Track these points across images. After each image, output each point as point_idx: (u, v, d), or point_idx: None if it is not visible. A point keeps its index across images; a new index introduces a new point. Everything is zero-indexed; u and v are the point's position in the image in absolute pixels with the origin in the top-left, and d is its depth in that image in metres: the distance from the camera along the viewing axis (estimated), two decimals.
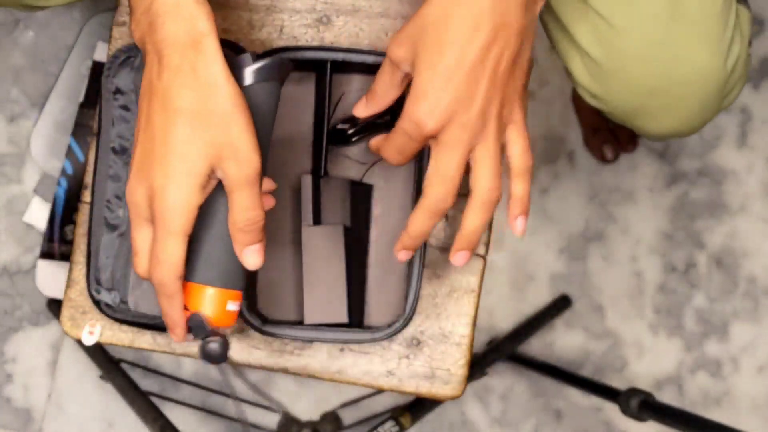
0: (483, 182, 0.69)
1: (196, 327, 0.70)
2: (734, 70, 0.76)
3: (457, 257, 0.71)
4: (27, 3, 0.80)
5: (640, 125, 0.79)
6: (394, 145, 0.69)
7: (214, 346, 0.70)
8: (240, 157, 0.65)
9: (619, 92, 0.76)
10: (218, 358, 0.70)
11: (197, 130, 0.65)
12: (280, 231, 0.84)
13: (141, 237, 0.68)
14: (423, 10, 0.67)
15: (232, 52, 0.76)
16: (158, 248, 0.66)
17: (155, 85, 0.65)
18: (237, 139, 0.65)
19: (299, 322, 0.84)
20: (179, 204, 0.65)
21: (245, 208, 0.67)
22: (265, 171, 0.69)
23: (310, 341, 0.84)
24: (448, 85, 0.66)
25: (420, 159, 0.80)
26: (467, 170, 0.70)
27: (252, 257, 0.68)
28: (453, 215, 0.87)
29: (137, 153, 0.67)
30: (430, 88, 0.66)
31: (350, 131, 0.78)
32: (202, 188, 0.66)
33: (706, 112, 0.78)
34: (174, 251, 0.66)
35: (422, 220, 0.70)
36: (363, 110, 0.74)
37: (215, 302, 0.70)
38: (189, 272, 0.69)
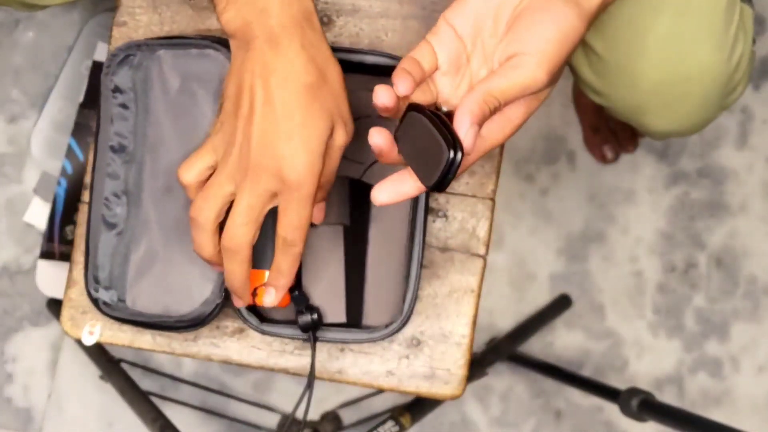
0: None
1: (298, 299, 0.80)
2: (738, 68, 0.76)
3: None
4: (28, 2, 0.80)
5: (643, 122, 0.79)
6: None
7: (311, 317, 0.80)
8: (348, 125, 0.71)
9: (622, 88, 0.76)
10: (317, 325, 0.81)
11: (323, 101, 0.69)
12: None
13: (258, 202, 0.70)
14: (576, 41, 0.65)
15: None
16: (292, 215, 0.69)
17: (273, 65, 0.67)
18: (346, 110, 0.71)
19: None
20: (312, 169, 0.68)
21: (334, 170, 0.73)
22: None
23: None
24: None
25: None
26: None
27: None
28: (452, 215, 0.87)
29: (255, 136, 0.68)
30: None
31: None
32: (322, 159, 0.69)
33: (709, 110, 0.78)
34: (308, 216, 0.70)
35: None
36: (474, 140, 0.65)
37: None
38: (272, 262, 0.76)
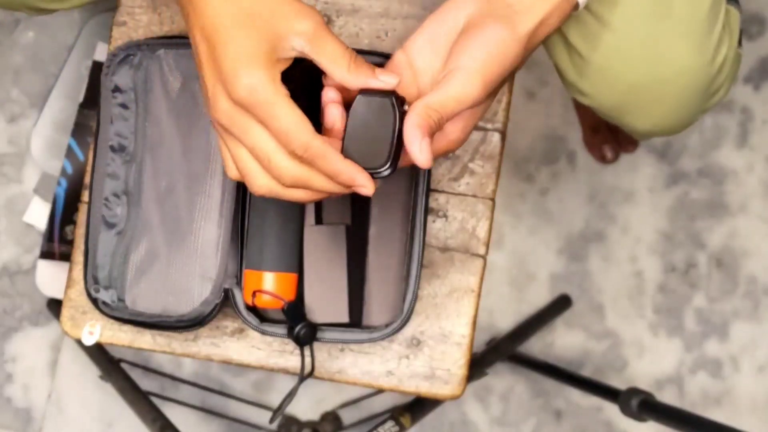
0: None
1: (291, 313, 0.80)
2: (721, 71, 0.76)
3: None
4: (38, 6, 0.80)
5: (624, 122, 0.80)
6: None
7: (306, 330, 0.80)
8: (302, 12, 0.65)
9: (603, 88, 0.76)
10: (309, 341, 0.80)
11: (251, 16, 0.64)
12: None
13: (264, 137, 0.65)
14: (514, 64, 0.67)
15: None
16: (275, 125, 0.64)
17: (198, 8, 0.66)
18: (294, 6, 0.65)
19: None
20: (255, 77, 0.63)
21: (342, 49, 0.66)
22: None
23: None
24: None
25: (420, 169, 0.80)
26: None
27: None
28: (452, 215, 0.87)
29: (205, 79, 0.66)
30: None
31: None
32: (276, 60, 0.65)
33: (689, 111, 0.78)
34: (287, 113, 0.64)
35: None
36: (429, 155, 0.66)
37: (293, 284, 0.81)
38: (272, 264, 0.78)
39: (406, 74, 0.68)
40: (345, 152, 0.65)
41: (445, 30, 0.67)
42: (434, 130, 0.65)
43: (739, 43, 0.80)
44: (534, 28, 0.66)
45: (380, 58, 0.81)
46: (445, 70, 0.66)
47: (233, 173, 0.68)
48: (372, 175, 0.65)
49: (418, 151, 0.63)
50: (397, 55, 0.69)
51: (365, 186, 0.65)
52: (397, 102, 0.65)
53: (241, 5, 0.64)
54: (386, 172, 0.65)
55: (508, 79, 0.68)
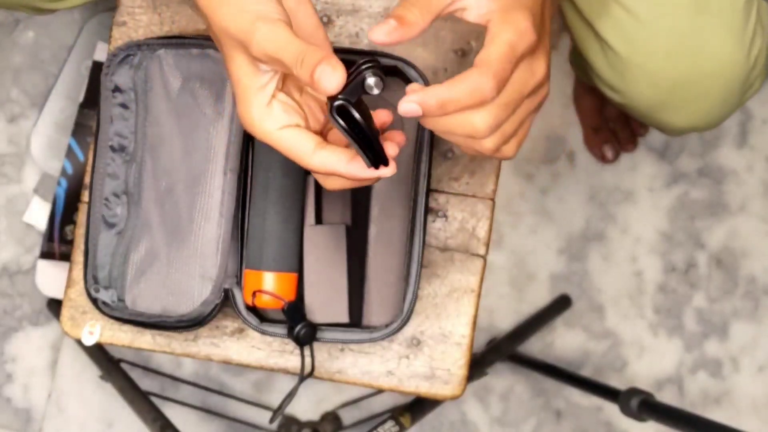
0: None
1: (291, 313, 0.80)
2: (756, 63, 0.76)
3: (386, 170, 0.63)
4: (37, 6, 0.80)
5: (661, 119, 0.79)
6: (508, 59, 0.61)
7: (306, 330, 0.80)
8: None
9: (640, 85, 0.76)
10: (309, 341, 0.80)
11: (222, 13, 0.61)
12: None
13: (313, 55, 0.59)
14: None
15: None
16: (243, 115, 0.62)
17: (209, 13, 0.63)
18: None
19: None
20: (232, 64, 0.62)
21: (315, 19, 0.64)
22: None
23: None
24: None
25: (418, 160, 0.80)
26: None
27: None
28: (452, 215, 0.87)
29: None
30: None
31: None
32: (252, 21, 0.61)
33: (728, 106, 0.77)
34: (285, 38, 0.60)
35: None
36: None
37: (293, 285, 0.81)
38: (272, 264, 0.79)
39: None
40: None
41: None
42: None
43: None
44: None
45: (380, 58, 0.81)
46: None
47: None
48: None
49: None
50: None
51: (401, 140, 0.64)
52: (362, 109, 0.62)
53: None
54: (388, 173, 0.63)
55: None
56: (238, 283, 0.82)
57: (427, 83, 0.80)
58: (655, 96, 0.76)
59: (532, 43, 0.59)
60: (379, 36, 0.60)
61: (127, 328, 0.87)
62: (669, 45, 0.73)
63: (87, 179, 0.86)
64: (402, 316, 0.81)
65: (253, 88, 0.62)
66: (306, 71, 0.59)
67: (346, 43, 0.86)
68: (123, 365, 1.19)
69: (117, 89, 0.83)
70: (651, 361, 1.41)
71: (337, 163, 0.62)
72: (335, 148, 0.63)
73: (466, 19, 0.61)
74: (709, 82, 0.74)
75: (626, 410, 1.09)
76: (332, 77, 0.58)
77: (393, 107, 0.78)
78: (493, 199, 0.87)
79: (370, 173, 0.62)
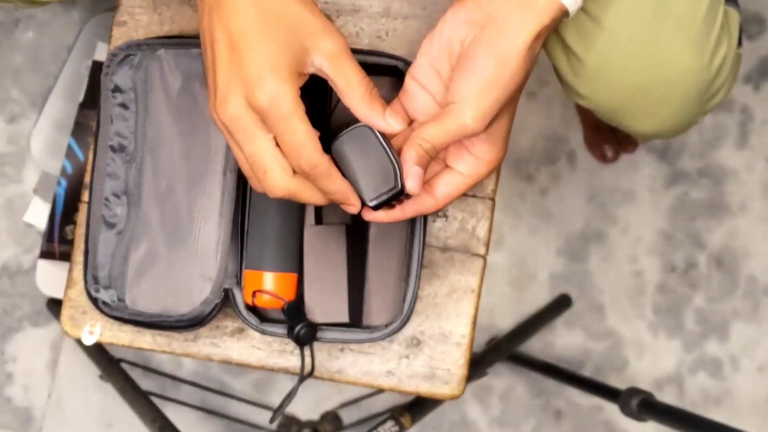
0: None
1: (291, 313, 0.80)
2: (720, 72, 0.76)
3: (365, 214, 0.72)
4: None
5: (624, 125, 0.80)
6: (461, 194, 0.73)
7: (306, 330, 0.80)
8: (331, 31, 0.67)
9: (602, 91, 0.76)
10: (309, 341, 0.80)
11: (275, 18, 0.66)
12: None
13: (264, 147, 0.67)
14: (508, 88, 0.67)
15: None
16: (288, 138, 0.66)
17: (221, 4, 0.66)
18: (317, 19, 0.66)
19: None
20: (279, 83, 0.65)
21: (361, 76, 0.68)
22: None
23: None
24: (510, 133, 0.74)
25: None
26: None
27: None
28: (452, 215, 0.87)
29: (218, 78, 0.66)
30: (505, 143, 0.73)
31: None
32: (298, 74, 0.66)
33: (689, 114, 0.78)
34: (303, 130, 0.66)
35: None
36: (419, 181, 0.70)
37: (293, 284, 0.81)
38: (272, 264, 0.79)
39: (422, 99, 0.71)
40: (356, 185, 0.70)
41: (444, 54, 0.69)
42: (427, 160, 0.68)
43: (739, 43, 0.80)
44: (525, 47, 0.66)
45: (381, 58, 0.81)
46: (446, 97, 0.68)
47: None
48: (389, 200, 0.70)
49: (409, 178, 0.68)
50: (408, 83, 0.71)
51: (355, 205, 0.70)
52: (378, 133, 0.69)
53: (268, 9, 0.65)
54: (403, 189, 0.69)
55: (513, 97, 0.68)
56: (238, 282, 0.82)
57: None
58: (616, 102, 0.77)
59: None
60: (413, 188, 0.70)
61: (127, 328, 0.87)
62: (628, 52, 0.73)
63: (87, 179, 0.86)
64: (402, 316, 0.81)
65: (289, 56, 0.66)
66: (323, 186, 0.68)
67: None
68: (123, 365, 1.19)
69: (117, 89, 0.83)
70: (651, 361, 1.41)
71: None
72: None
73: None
74: (667, 90, 0.75)
75: (626, 410, 1.09)
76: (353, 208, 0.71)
77: None
78: (493, 199, 0.87)
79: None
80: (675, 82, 0.74)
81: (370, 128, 0.69)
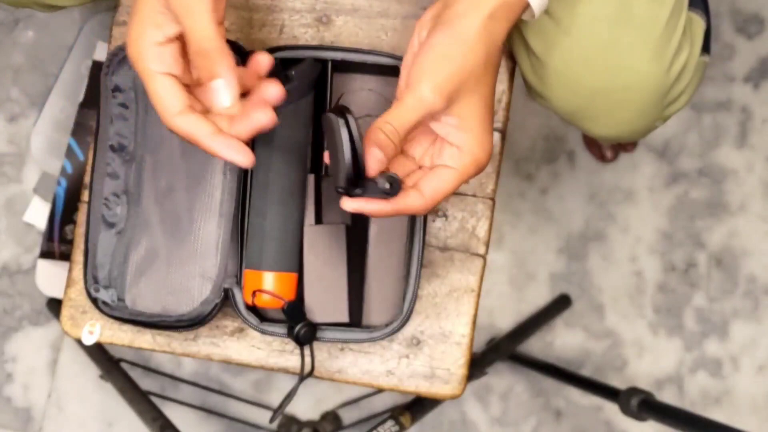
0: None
1: (291, 313, 0.80)
2: (680, 79, 0.76)
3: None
4: (47, 2, 0.80)
5: (582, 127, 0.80)
6: (451, 191, 0.70)
7: (306, 330, 0.80)
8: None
9: (560, 93, 0.76)
10: (309, 340, 0.80)
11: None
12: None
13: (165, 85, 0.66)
14: (464, 62, 0.66)
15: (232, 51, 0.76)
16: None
17: None
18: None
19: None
20: (132, 43, 0.66)
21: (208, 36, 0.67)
22: None
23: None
24: (490, 125, 0.69)
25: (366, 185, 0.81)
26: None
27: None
28: (452, 214, 0.87)
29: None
30: (484, 133, 0.68)
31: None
32: (157, 26, 0.66)
33: (647, 118, 0.78)
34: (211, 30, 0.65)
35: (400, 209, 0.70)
36: (379, 165, 0.69)
37: (293, 284, 0.81)
38: (272, 264, 0.79)
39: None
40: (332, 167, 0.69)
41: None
42: (389, 143, 0.67)
43: (707, 51, 0.80)
44: (478, 23, 0.65)
45: (381, 58, 0.81)
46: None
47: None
48: (350, 184, 0.67)
49: (368, 159, 0.66)
50: (400, 83, 0.70)
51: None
52: (351, 124, 0.67)
53: None
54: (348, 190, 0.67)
55: (473, 75, 0.67)
56: (238, 282, 0.82)
57: None
58: (574, 103, 0.77)
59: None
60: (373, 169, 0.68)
61: (127, 327, 0.87)
62: (587, 54, 0.74)
63: (87, 179, 0.86)
64: (402, 316, 0.81)
65: (153, 21, 0.65)
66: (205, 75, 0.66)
67: (346, 43, 0.86)
68: (123, 365, 1.19)
69: (117, 89, 0.83)
70: (651, 360, 1.41)
71: (199, 131, 0.66)
72: (201, 117, 0.66)
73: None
74: (626, 94, 0.75)
75: (626, 410, 1.09)
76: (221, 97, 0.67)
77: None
78: (493, 199, 0.87)
79: (231, 155, 0.66)
80: (634, 86, 0.74)
81: (342, 113, 0.67)
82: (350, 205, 0.68)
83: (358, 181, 0.67)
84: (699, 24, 0.79)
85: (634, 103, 0.76)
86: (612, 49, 0.73)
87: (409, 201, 0.69)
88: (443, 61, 0.65)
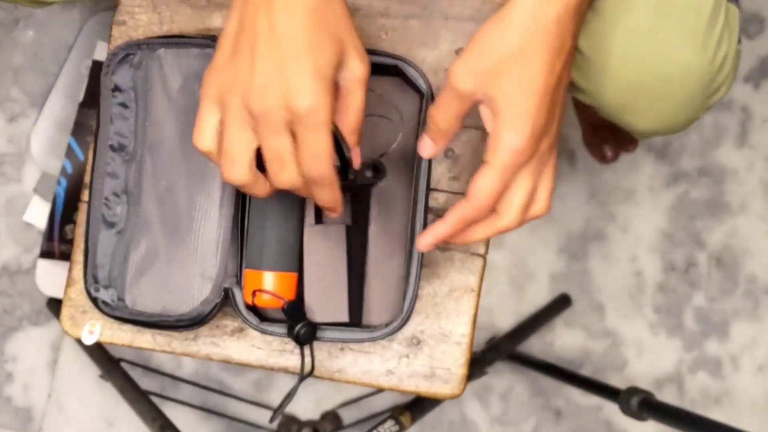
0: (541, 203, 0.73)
1: (291, 313, 0.80)
2: (722, 69, 0.76)
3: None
4: None
5: (626, 121, 0.79)
6: (496, 187, 0.68)
7: (306, 330, 0.80)
8: (363, 54, 0.67)
9: (603, 86, 0.76)
10: (309, 340, 0.80)
11: (329, 26, 0.66)
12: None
13: (282, 143, 0.66)
14: (496, 40, 0.65)
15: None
16: (310, 145, 0.66)
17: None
18: (356, 38, 0.67)
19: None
20: (322, 92, 0.65)
21: (362, 110, 0.69)
22: None
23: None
24: (539, 112, 0.65)
25: (418, 159, 0.80)
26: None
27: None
28: None
29: (258, 65, 0.65)
30: (516, 116, 0.66)
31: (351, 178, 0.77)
32: (333, 84, 0.67)
33: (691, 110, 0.78)
34: (326, 141, 0.66)
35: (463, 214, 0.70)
36: (431, 150, 0.71)
37: (293, 284, 0.81)
38: (272, 264, 0.79)
39: None
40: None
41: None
42: (435, 131, 0.69)
43: (739, 40, 0.80)
44: (518, 9, 0.64)
45: (381, 58, 0.81)
46: None
47: (209, 144, 0.69)
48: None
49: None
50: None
51: (338, 212, 0.73)
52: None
53: (325, 17, 0.65)
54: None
55: (508, 64, 0.65)
56: (238, 282, 0.82)
57: (426, 82, 0.80)
58: (618, 97, 0.76)
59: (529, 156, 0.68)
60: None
61: (127, 327, 0.87)
62: (629, 45, 0.73)
63: (87, 178, 0.86)
64: (402, 316, 0.81)
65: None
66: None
67: None
68: (123, 365, 1.19)
69: (117, 88, 0.83)
70: (651, 360, 1.41)
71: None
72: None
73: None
74: (669, 86, 0.75)
75: (626, 409, 1.09)
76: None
77: (393, 106, 0.78)
78: None
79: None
80: (678, 77, 0.74)
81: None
82: (425, 242, 0.71)
83: (346, 175, 0.71)
84: (735, 13, 0.79)
85: (680, 94, 0.75)
86: (654, 39, 0.73)
87: (461, 207, 0.69)
88: (476, 41, 0.66)
